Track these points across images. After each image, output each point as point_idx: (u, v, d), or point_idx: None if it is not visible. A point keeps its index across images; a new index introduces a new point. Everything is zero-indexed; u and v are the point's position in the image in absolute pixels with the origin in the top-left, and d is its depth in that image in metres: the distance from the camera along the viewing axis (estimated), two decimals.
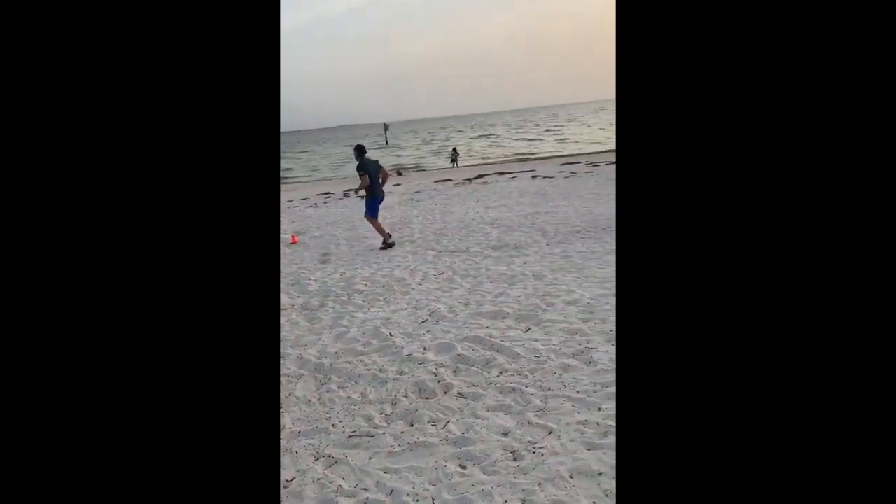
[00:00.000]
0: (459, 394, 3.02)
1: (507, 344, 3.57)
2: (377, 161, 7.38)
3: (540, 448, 2.42)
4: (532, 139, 35.89)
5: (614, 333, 3.60)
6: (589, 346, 3.45)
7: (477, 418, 2.74)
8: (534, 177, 14.19)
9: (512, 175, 15.40)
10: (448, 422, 2.73)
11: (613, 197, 9.51)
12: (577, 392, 2.90)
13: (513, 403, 2.85)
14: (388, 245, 7.20)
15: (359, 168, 7.17)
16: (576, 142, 29.76)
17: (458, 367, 3.34)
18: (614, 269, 5.06)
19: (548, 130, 44.99)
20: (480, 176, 16.06)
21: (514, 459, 2.36)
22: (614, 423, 2.54)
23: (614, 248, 5.87)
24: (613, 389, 2.87)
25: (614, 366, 3.14)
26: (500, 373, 3.22)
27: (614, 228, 6.88)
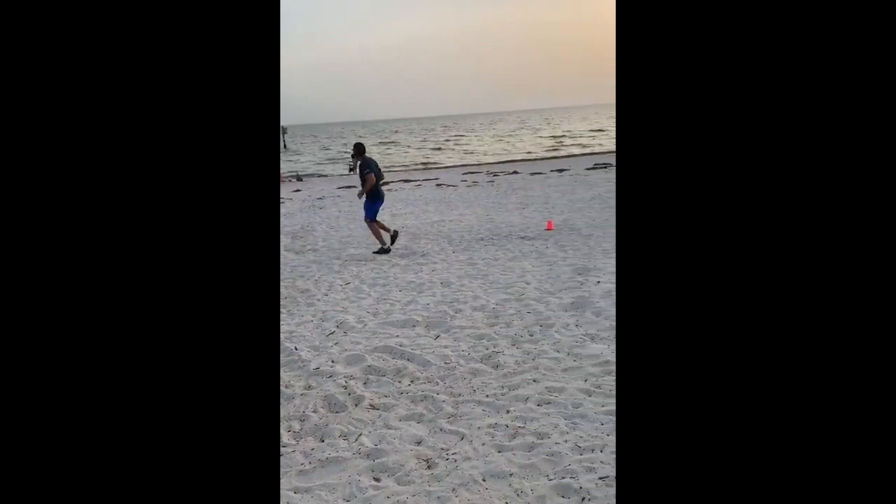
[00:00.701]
0: (371, 405, 2.98)
1: (418, 352, 3.59)
2: (376, 161, 6.88)
3: (453, 454, 2.46)
4: (435, 148, 36.51)
5: (519, 336, 3.77)
6: (496, 349, 3.57)
7: (389, 429, 2.72)
8: (438, 185, 14.44)
9: (417, 183, 15.54)
10: (360, 434, 2.68)
11: (513, 206, 9.95)
12: (487, 396, 2.99)
13: (425, 411, 2.87)
14: (384, 250, 6.66)
15: (364, 167, 6.66)
16: (472, 153, 30.73)
17: (368, 379, 3.30)
18: (516, 274, 5.30)
19: (447, 140, 45.91)
20: (385, 183, 16.00)
21: (428, 467, 2.38)
22: (522, 425, 2.66)
23: (515, 254, 6.14)
24: (520, 392, 3.00)
25: (520, 368, 3.28)
26: (412, 381, 3.23)
27: (515, 236, 7.20)
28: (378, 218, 6.88)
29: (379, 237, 6.80)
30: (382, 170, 7.22)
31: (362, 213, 7.12)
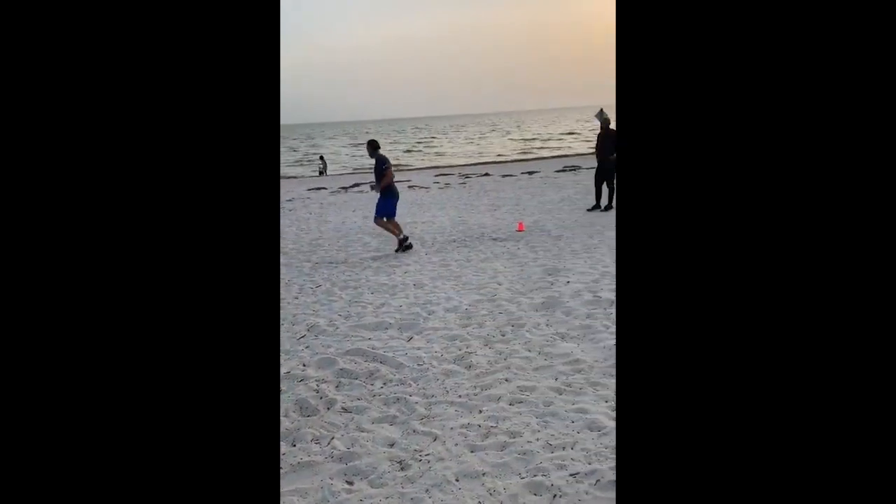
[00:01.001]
0: (343, 408, 2.96)
1: (391, 354, 3.58)
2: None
3: (426, 455, 2.46)
4: (406, 150, 36.41)
5: (491, 337, 3.80)
6: (468, 350, 3.59)
7: (362, 431, 2.71)
8: (410, 187, 14.41)
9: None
10: (332, 438, 2.66)
11: (485, 208, 10.02)
12: (459, 396, 3.00)
13: (398, 413, 2.86)
14: (405, 247, 6.64)
15: (381, 163, 6.62)
16: (443, 154, 30.76)
17: (340, 382, 3.28)
18: (488, 275, 5.34)
19: (418, 142, 45.78)
20: (356, 185, 15.90)
21: (402, 469, 2.38)
22: (495, 424, 2.68)
23: (487, 256, 6.19)
24: (492, 391, 3.02)
25: (492, 368, 3.31)
26: (384, 384, 3.22)
27: (487, 237, 7.26)
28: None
29: (393, 232, 6.74)
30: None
31: (361, 213, 7.12)
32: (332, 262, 6.47)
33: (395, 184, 6.90)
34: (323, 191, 15.03)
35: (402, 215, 9.73)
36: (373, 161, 6.83)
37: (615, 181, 8.77)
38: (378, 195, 6.78)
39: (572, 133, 41.81)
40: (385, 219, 6.76)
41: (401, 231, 6.82)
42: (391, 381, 3.24)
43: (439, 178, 16.62)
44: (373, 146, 6.84)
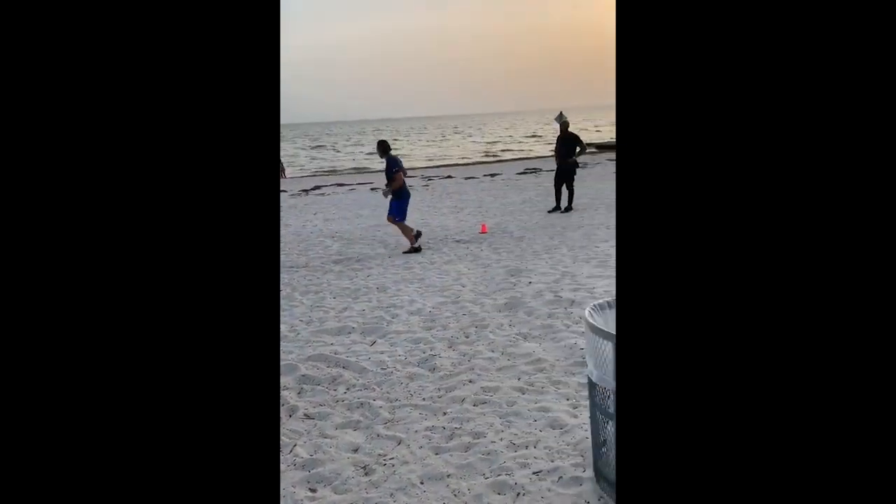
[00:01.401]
0: (305, 415, 2.91)
1: (354, 359, 3.55)
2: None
3: (390, 459, 2.45)
4: (369, 153, 36.13)
5: (455, 339, 3.82)
6: (432, 352, 3.60)
7: (325, 438, 2.67)
8: (372, 189, 14.31)
9: (350, 187, 15.32)
10: (295, 445, 2.61)
11: (448, 210, 10.05)
12: (423, 399, 3.00)
13: (361, 418, 2.84)
14: (415, 249, 6.48)
15: (393, 165, 6.45)
16: (406, 156, 30.72)
17: (302, 388, 3.22)
18: (452, 277, 5.36)
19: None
20: (317, 187, 15.67)
21: (366, 474, 2.36)
22: (459, 426, 2.69)
23: (451, 258, 6.22)
24: (456, 393, 3.04)
25: (456, 370, 3.33)
26: (348, 389, 3.18)
27: (451, 239, 7.29)
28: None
29: (409, 235, 6.63)
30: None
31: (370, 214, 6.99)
32: (292, 267, 6.35)
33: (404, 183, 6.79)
34: (283, 193, 14.74)
35: (364, 217, 9.68)
36: (383, 162, 6.70)
37: (574, 183, 9.02)
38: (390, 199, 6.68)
39: (535, 136, 42.46)
40: (390, 218, 6.71)
41: (409, 235, 6.67)
42: (354, 386, 3.21)
43: None
44: (383, 147, 6.68)
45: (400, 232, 6.86)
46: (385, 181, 6.78)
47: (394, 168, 6.52)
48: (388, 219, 6.77)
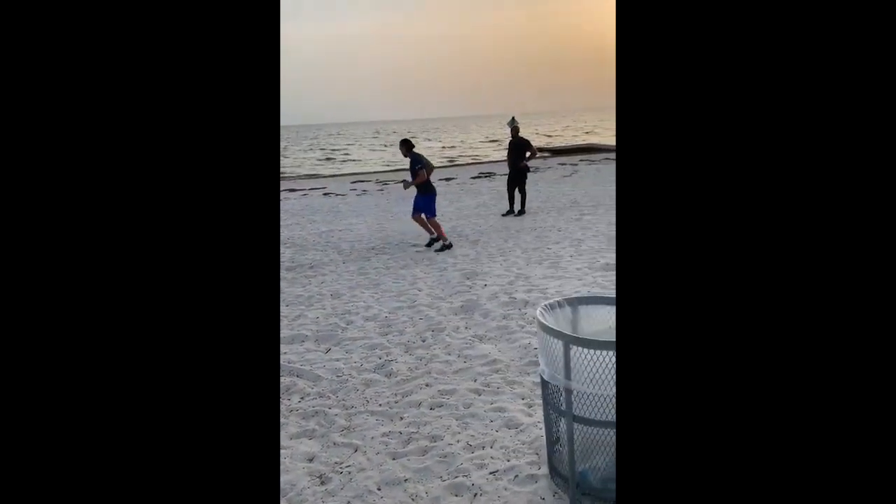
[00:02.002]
0: None
1: (308, 367, 3.49)
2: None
3: (347, 467, 2.42)
4: (323, 158, 35.56)
5: (412, 343, 3.81)
6: (389, 358, 3.58)
7: (280, 448, 2.61)
8: (325, 194, 14.10)
9: (303, 192, 15.03)
10: None
11: (404, 214, 10.04)
12: (380, 405, 2.98)
13: (316, 427, 2.79)
14: (446, 245, 6.56)
15: (418, 162, 6.55)
16: (360, 160, 30.41)
17: None
18: (408, 282, 5.35)
19: (335, 149, 44.92)
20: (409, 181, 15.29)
21: (322, 483, 2.32)
22: (416, 430, 2.69)
23: (407, 262, 6.21)
24: (413, 397, 3.04)
25: (413, 374, 3.33)
26: (302, 398, 3.12)
27: (407, 244, 7.27)
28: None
29: (440, 231, 6.72)
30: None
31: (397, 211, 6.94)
32: None
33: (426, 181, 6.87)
34: None
35: (317, 223, 9.51)
36: (407, 160, 6.82)
37: (526, 186, 9.20)
38: (415, 192, 6.79)
39: (496, 140, 42.95)
40: (425, 217, 6.78)
41: (441, 231, 6.78)
42: (309, 394, 3.16)
43: (356, 185, 16.42)
44: (407, 146, 6.80)
45: (426, 227, 6.91)
46: (411, 178, 6.94)
47: (416, 165, 6.68)
48: (414, 217, 6.90)
